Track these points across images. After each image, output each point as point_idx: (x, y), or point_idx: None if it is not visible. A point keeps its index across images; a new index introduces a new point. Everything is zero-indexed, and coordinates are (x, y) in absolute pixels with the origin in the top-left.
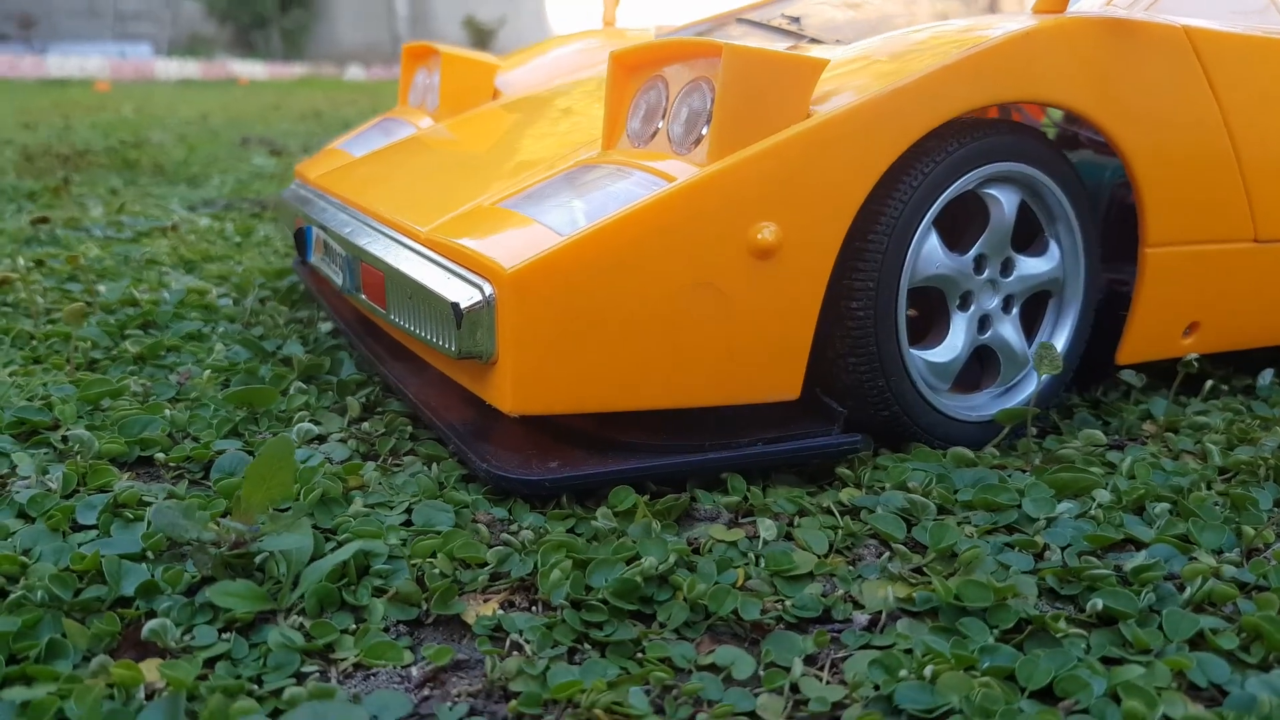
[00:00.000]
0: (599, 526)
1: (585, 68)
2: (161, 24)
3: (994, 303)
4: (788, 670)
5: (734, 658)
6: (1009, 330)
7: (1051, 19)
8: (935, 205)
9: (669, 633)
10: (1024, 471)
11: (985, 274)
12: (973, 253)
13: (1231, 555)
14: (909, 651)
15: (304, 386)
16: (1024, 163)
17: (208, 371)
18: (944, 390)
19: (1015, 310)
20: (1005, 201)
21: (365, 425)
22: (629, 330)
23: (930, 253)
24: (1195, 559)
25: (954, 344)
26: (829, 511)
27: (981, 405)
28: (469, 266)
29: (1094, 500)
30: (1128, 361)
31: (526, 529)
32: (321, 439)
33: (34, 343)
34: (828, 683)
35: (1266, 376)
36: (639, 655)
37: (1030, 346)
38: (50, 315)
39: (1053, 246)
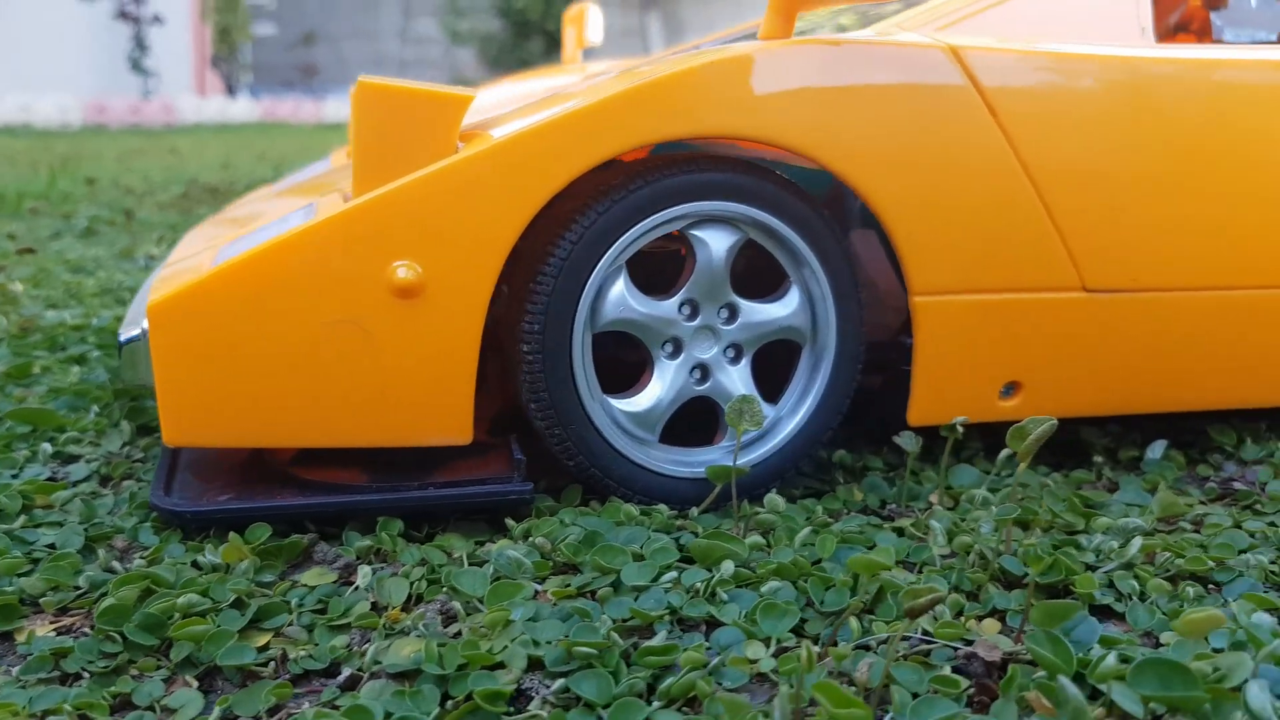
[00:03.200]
0: (205, 561)
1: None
2: (439, 70)
3: (713, 351)
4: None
5: (186, 699)
6: (735, 381)
7: (749, 48)
8: (616, 246)
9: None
10: (696, 536)
11: (698, 320)
12: (678, 297)
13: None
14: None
15: (99, 410)
16: (740, 202)
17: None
18: (651, 442)
19: (746, 360)
20: (713, 244)
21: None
22: (273, 365)
23: (617, 296)
24: (745, 650)
25: (655, 393)
26: (449, 563)
27: (709, 460)
28: None
29: (715, 573)
30: (925, 422)
31: (140, 559)
32: (73, 459)
33: None
34: None
35: (1158, 449)
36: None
37: (782, 398)
38: None
39: (794, 292)
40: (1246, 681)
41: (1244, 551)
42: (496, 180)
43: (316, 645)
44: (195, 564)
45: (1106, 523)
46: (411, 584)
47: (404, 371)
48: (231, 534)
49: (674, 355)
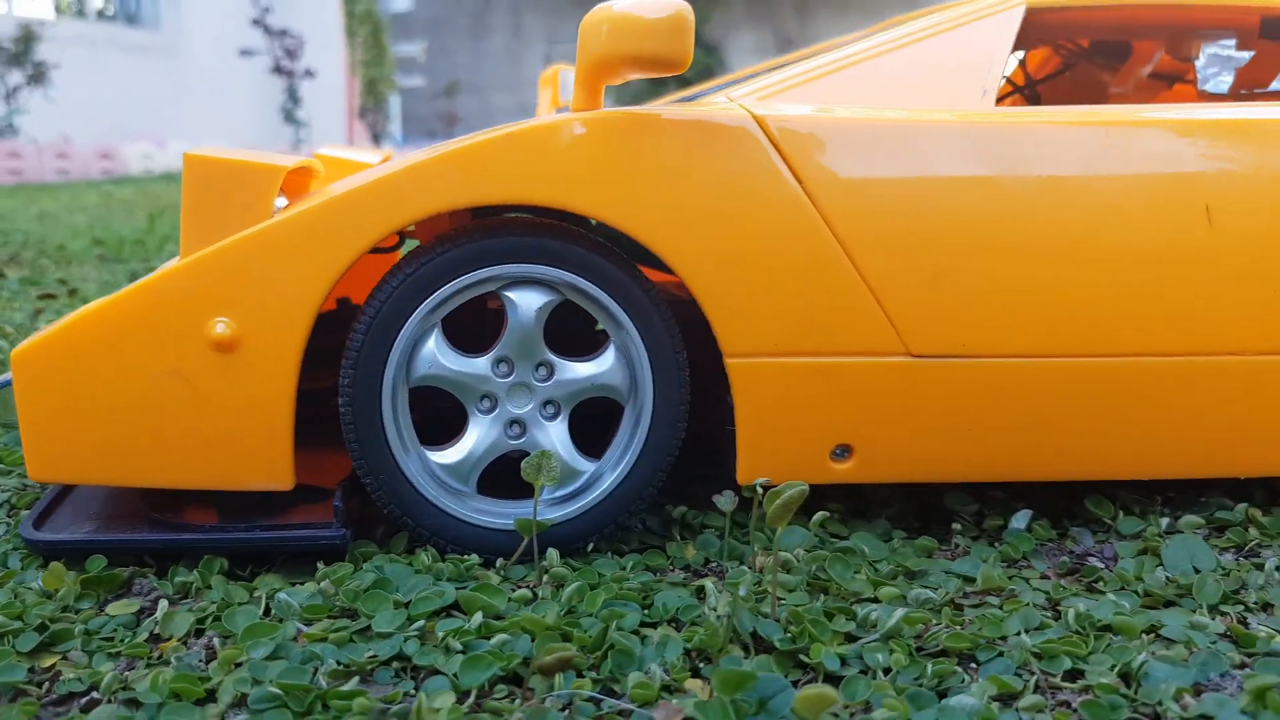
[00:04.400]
0: (32, 589)
1: None
2: None
3: (528, 407)
4: None
5: None
6: (550, 436)
7: (553, 119)
8: (424, 306)
9: None
10: (520, 586)
11: (513, 377)
12: (491, 355)
13: None
14: None
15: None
16: (550, 265)
17: None
18: (469, 493)
19: (563, 416)
20: (522, 304)
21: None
22: (117, 411)
23: (428, 354)
24: (434, 700)
25: (467, 446)
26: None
27: (525, 513)
28: None
29: (467, 622)
30: (753, 481)
31: None
32: None
33: None
34: None
35: (1022, 519)
36: None
37: (605, 454)
38: None
39: (610, 351)
40: None
41: (1030, 631)
42: (303, 243)
43: (88, 669)
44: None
45: (891, 593)
46: (198, 619)
47: (226, 420)
48: (53, 564)
49: (490, 410)
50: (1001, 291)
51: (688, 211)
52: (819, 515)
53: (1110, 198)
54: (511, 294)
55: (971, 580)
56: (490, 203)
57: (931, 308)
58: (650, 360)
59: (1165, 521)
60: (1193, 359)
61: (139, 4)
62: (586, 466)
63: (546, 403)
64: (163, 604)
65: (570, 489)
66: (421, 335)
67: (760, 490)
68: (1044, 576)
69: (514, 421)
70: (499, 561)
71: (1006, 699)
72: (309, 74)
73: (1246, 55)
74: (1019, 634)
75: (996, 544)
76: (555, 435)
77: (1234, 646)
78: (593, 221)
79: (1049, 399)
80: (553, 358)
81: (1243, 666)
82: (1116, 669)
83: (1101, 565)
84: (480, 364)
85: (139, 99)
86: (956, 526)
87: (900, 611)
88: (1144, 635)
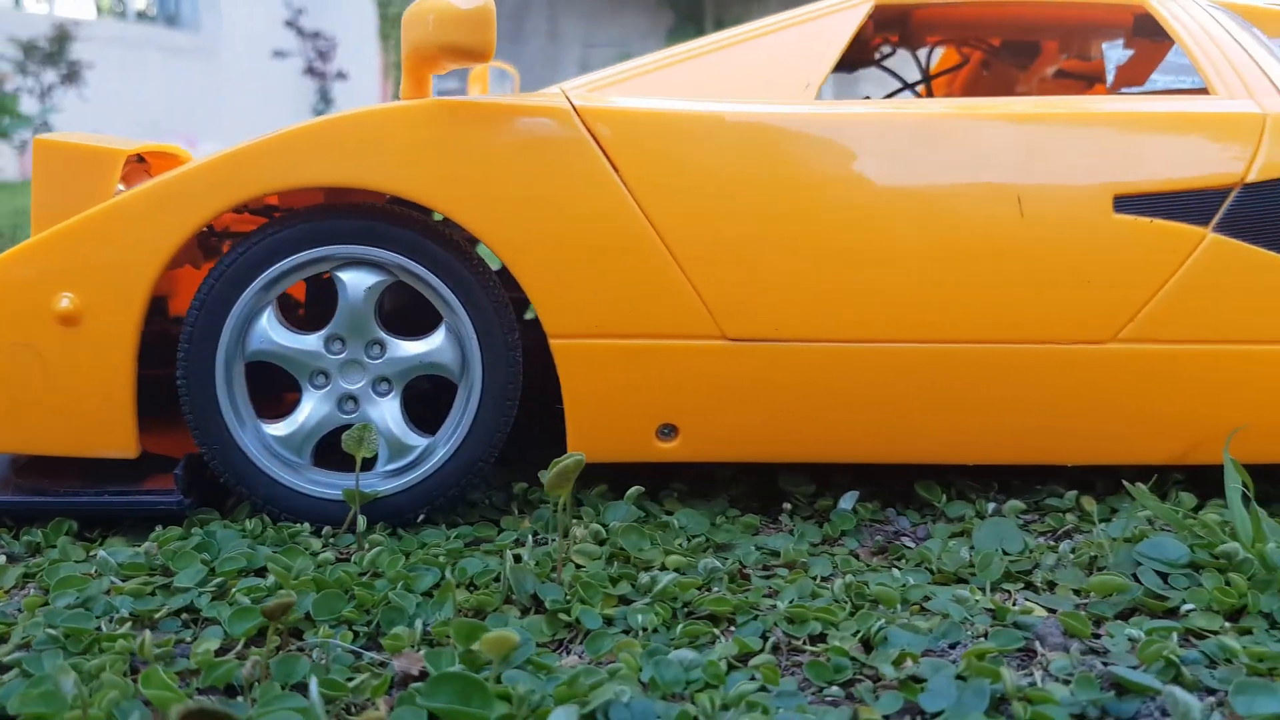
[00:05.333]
0: None
1: None
2: None
3: (360, 383)
4: None
5: None
6: (381, 412)
7: (376, 107)
8: (256, 283)
9: None
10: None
11: (344, 354)
12: (324, 333)
13: None
14: None
15: None
16: (379, 246)
17: None
18: (304, 465)
19: (396, 392)
20: (351, 285)
21: None
22: None
23: (261, 330)
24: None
25: (298, 419)
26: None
27: (363, 485)
28: None
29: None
30: (588, 460)
31: None
32: None
33: None
34: None
35: (849, 500)
36: None
37: (440, 430)
38: None
39: (441, 331)
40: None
41: (803, 599)
42: (137, 222)
43: None
44: None
45: (679, 561)
46: (28, 574)
47: (73, 390)
48: None
49: (324, 386)
50: (811, 277)
51: (508, 198)
52: (632, 490)
53: (922, 187)
54: (343, 274)
55: (777, 554)
56: (312, 185)
57: (743, 292)
58: (479, 340)
59: (992, 506)
60: (1003, 346)
61: (179, 6)
62: (419, 441)
63: (380, 379)
64: (0, 559)
65: (403, 462)
66: (255, 312)
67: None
68: (852, 554)
69: (348, 397)
70: (325, 530)
71: (747, 658)
72: (341, 76)
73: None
74: (790, 602)
75: (823, 524)
76: (387, 411)
77: (991, 619)
78: None
79: (864, 383)
80: (384, 336)
81: (987, 636)
82: (860, 635)
83: (912, 545)
84: (312, 341)
85: (174, 99)
86: (787, 506)
87: (670, 577)
88: (908, 606)
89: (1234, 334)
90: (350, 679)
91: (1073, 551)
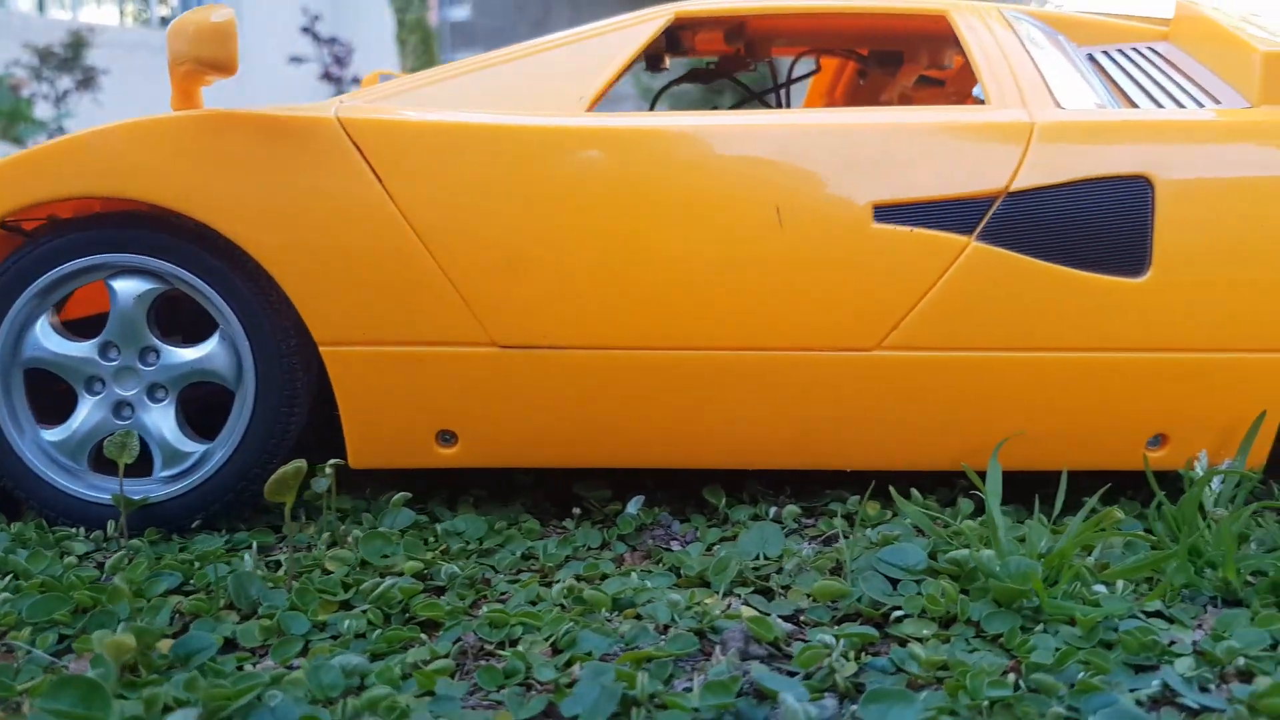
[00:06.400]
0: None
1: None
2: None
3: (134, 390)
4: None
5: None
6: (155, 418)
7: (139, 120)
8: (30, 290)
9: None
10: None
11: (119, 361)
12: (98, 340)
13: None
14: None
15: None
16: (151, 256)
17: None
18: (82, 470)
19: (171, 399)
20: (122, 292)
21: None
22: None
23: (34, 338)
24: None
25: (73, 425)
26: None
27: (139, 490)
28: None
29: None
30: (369, 466)
31: None
32: None
33: None
34: None
35: (635, 505)
36: None
37: (218, 437)
38: None
39: (215, 339)
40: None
41: (529, 604)
42: None
43: None
44: None
45: (415, 567)
46: None
47: None
48: None
49: (99, 392)
50: (579, 286)
51: (272, 208)
52: (398, 496)
53: (686, 197)
54: (115, 282)
55: (535, 559)
56: (79, 196)
57: (509, 300)
58: (252, 348)
59: (773, 510)
60: (771, 354)
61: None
62: (194, 447)
63: (155, 386)
64: None
65: (179, 468)
66: (30, 320)
67: (328, 472)
68: (619, 558)
69: (124, 403)
70: (96, 535)
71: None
72: (358, 81)
73: None
74: (516, 607)
75: (609, 528)
76: (161, 417)
77: (695, 622)
78: None
79: (635, 389)
80: (158, 343)
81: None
82: (551, 639)
83: (680, 548)
84: (85, 348)
85: None
86: (576, 511)
87: (390, 582)
88: (620, 610)
89: (1000, 341)
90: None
91: (817, 556)
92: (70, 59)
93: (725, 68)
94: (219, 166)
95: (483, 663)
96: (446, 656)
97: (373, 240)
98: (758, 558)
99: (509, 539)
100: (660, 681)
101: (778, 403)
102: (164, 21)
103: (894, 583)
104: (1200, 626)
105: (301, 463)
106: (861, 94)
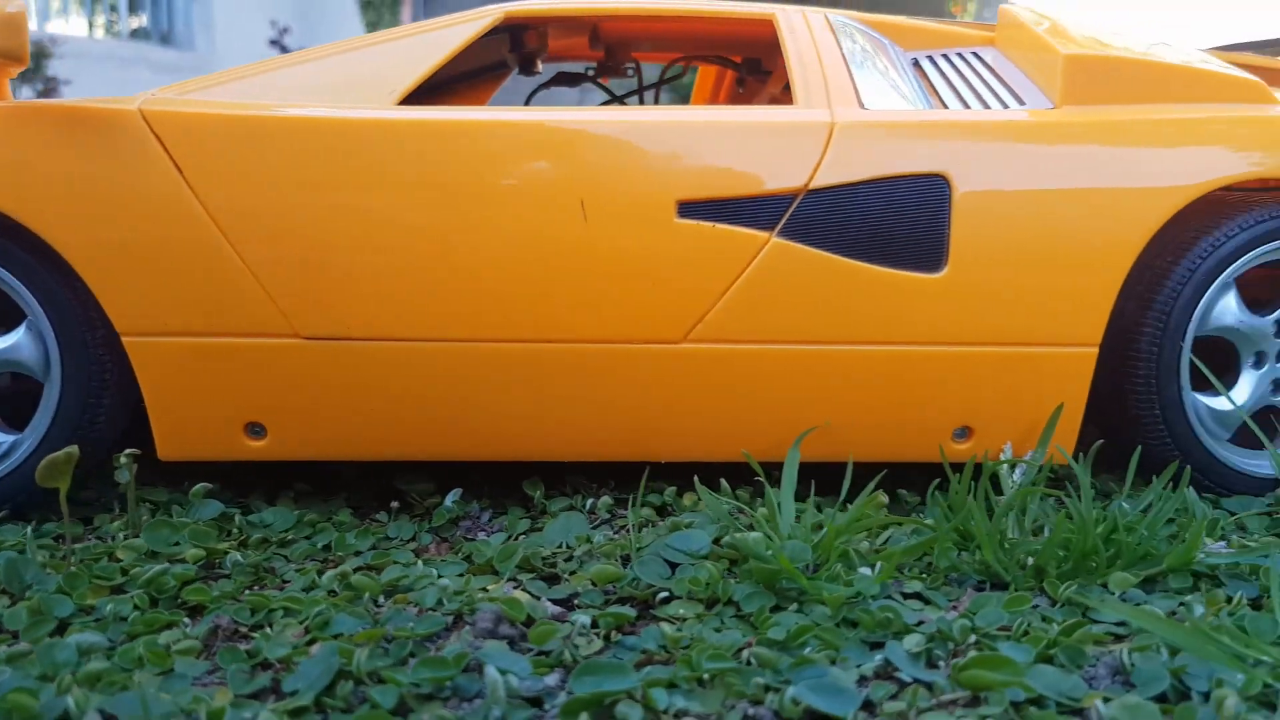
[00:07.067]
0: None
1: None
2: None
3: None
4: None
5: None
6: None
7: None
8: None
9: None
10: None
11: None
12: None
13: None
14: None
15: None
16: None
17: None
18: None
19: None
20: None
21: None
22: None
23: None
24: None
25: None
26: None
27: None
28: None
29: None
30: (175, 458)
31: None
32: None
33: None
34: None
35: (452, 497)
36: None
37: (28, 427)
38: None
39: (21, 329)
40: None
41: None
42: None
43: None
44: None
45: (198, 554)
46: None
47: None
48: None
49: None
50: (383, 277)
51: (72, 199)
52: (198, 487)
53: (491, 190)
54: None
55: (330, 549)
56: None
57: (309, 292)
58: (58, 338)
59: (590, 502)
60: (578, 345)
61: (173, 25)
62: (7, 438)
63: None
64: None
65: None
66: None
67: (128, 462)
68: (422, 549)
69: None
70: None
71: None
72: None
73: None
74: (310, 593)
75: (424, 521)
76: None
77: (460, 605)
78: None
79: (443, 381)
80: None
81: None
82: (304, 621)
83: (485, 538)
84: None
85: None
86: (394, 504)
87: (158, 568)
88: (392, 595)
89: (804, 335)
90: None
91: (607, 543)
92: (31, 70)
93: (601, 72)
94: (20, 159)
95: (229, 644)
96: (197, 639)
97: (173, 232)
98: (561, 546)
99: (318, 531)
100: (396, 660)
101: (587, 395)
102: (134, 34)
103: (674, 567)
104: (955, 608)
105: (73, 450)
106: (740, 101)
